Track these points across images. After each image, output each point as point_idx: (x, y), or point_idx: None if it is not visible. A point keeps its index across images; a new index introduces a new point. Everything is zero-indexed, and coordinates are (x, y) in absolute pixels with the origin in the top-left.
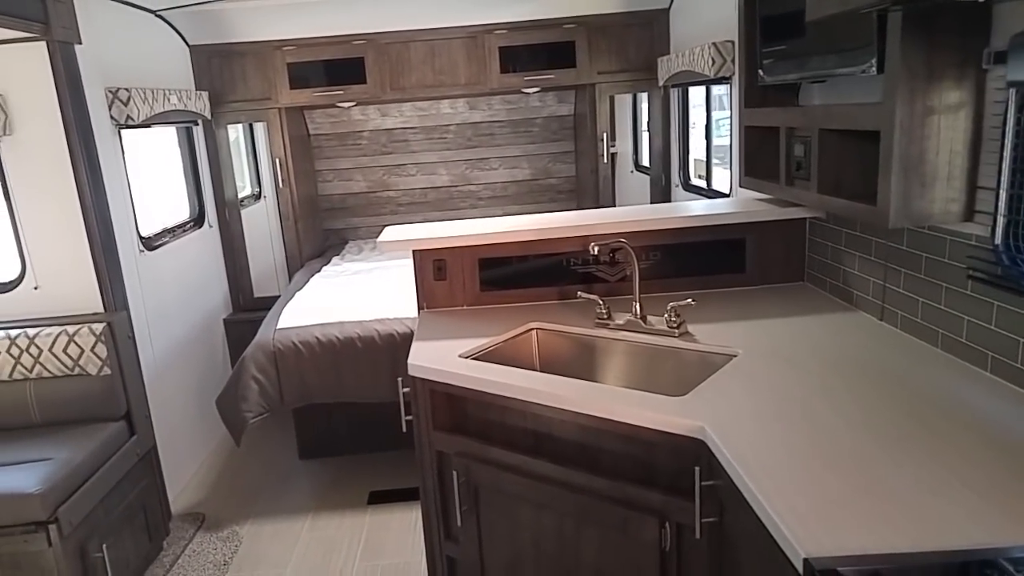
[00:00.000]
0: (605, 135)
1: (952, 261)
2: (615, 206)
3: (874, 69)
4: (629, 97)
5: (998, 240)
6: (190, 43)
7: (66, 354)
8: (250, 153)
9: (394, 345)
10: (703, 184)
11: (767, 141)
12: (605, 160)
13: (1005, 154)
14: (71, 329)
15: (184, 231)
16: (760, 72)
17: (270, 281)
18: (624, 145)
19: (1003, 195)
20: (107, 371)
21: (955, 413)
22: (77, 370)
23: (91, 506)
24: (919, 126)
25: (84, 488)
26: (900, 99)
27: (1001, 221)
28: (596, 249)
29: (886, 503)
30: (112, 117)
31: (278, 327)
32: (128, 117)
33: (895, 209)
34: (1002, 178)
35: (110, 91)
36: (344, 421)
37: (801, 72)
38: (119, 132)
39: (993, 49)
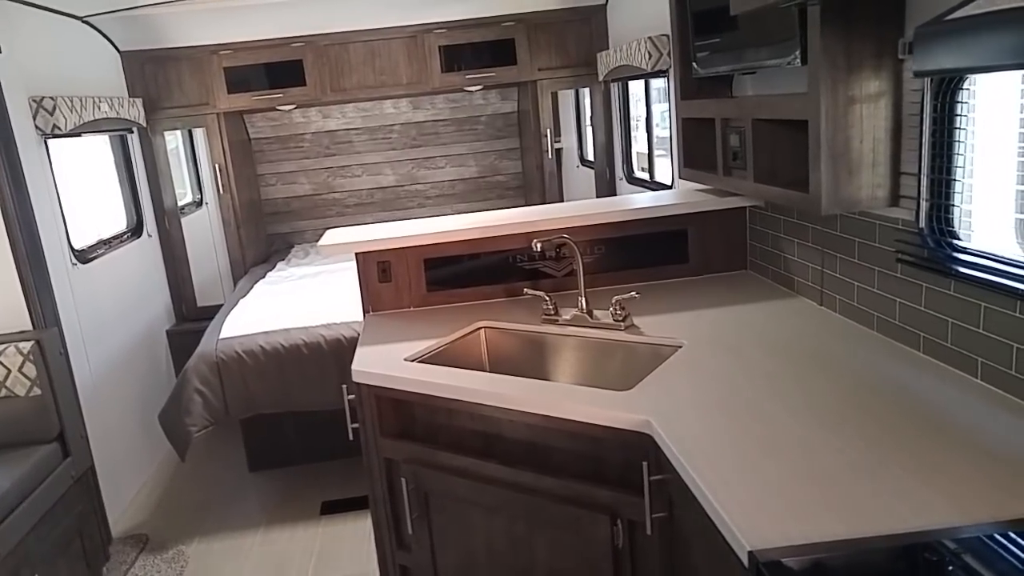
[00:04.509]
0: (548, 131)
1: (882, 245)
2: (563, 201)
3: (798, 61)
4: (572, 93)
5: (922, 224)
6: (121, 49)
7: None
8: (190, 159)
9: (341, 351)
10: (646, 176)
11: (704, 132)
12: (549, 156)
13: (924, 140)
14: None
15: (121, 242)
16: (694, 65)
17: (215, 289)
18: (569, 140)
19: (924, 180)
20: (37, 391)
21: (891, 395)
22: (4, 392)
23: (21, 535)
24: (843, 115)
25: (13, 516)
26: (823, 89)
27: (924, 205)
28: (539, 246)
29: (827, 490)
30: (37, 127)
31: (220, 337)
32: (54, 126)
33: (826, 196)
34: (922, 164)
35: (34, 100)
36: (294, 430)
37: (733, 64)
38: (45, 142)
39: (908, 39)
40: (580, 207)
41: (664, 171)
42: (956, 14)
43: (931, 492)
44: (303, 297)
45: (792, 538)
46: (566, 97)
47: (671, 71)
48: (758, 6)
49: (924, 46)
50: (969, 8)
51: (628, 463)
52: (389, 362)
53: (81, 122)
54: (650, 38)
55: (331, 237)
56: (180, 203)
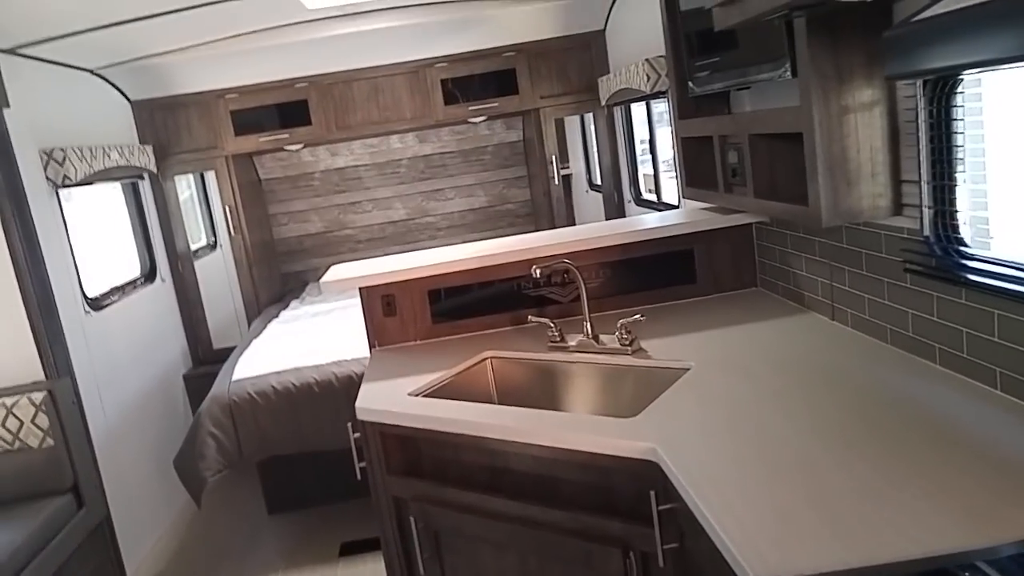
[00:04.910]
0: (554, 158)
1: (889, 256)
2: (575, 226)
3: (789, 73)
4: (578, 119)
5: (927, 232)
6: (131, 99)
7: (4, 428)
8: (203, 203)
9: (352, 387)
10: (654, 198)
11: (704, 151)
12: (556, 182)
13: (922, 147)
14: (8, 401)
15: (135, 288)
16: (690, 84)
17: (232, 331)
18: (577, 166)
19: (925, 187)
20: (50, 442)
21: (906, 411)
22: (18, 444)
23: None
24: (837, 126)
25: (26, 572)
26: (815, 100)
27: (927, 213)
28: (538, 272)
29: (839, 514)
30: (48, 178)
31: (233, 379)
32: (65, 177)
33: (826, 208)
34: (922, 170)
35: (44, 152)
36: (312, 471)
37: (726, 81)
38: (56, 192)
39: None
40: (581, 231)
41: (671, 192)
42: (923, 15)
43: (948, 513)
44: (315, 335)
45: (801, 568)
46: (573, 123)
47: (670, 91)
48: (741, 20)
49: (894, 50)
50: (937, 8)
51: (638, 493)
52: (392, 398)
53: (92, 172)
54: (647, 60)
55: (334, 273)
56: (194, 247)
